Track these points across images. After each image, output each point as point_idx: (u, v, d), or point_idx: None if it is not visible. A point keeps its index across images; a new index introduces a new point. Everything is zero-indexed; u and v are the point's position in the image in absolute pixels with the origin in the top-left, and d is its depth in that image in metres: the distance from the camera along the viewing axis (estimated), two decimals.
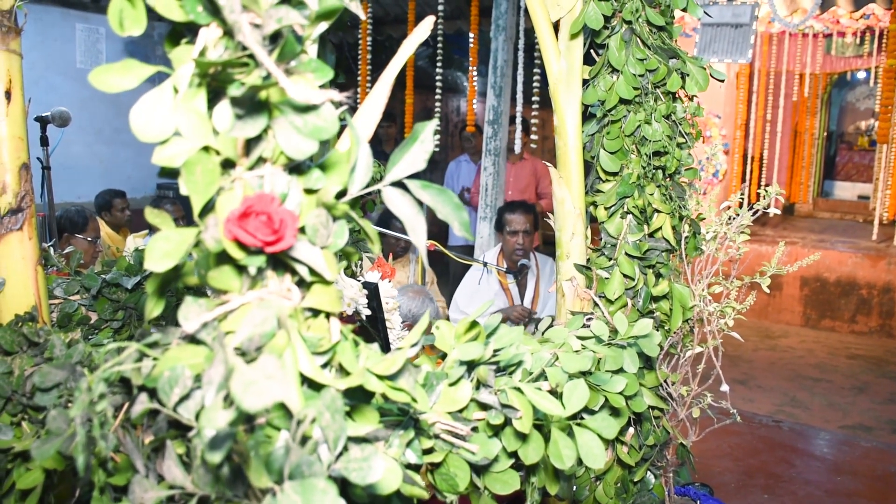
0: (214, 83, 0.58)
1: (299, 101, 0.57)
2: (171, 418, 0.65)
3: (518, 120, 4.58)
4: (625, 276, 1.37)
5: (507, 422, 0.88)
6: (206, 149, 0.57)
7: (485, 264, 3.44)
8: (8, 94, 1.22)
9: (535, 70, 4.03)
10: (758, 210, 1.41)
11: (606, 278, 1.38)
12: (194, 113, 0.57)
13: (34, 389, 0.90)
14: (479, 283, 3.49)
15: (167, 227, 0.67)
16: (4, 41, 1.20)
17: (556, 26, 1.39)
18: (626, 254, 1.36)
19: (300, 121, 0.59)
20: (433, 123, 0.68)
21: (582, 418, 0.93)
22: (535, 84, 3.98)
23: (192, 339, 0.62)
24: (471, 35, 4.53)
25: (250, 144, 0.60)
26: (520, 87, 4.22)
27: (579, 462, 0.95)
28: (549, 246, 4.52)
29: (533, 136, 4.38)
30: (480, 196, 4.31)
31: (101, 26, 6.39)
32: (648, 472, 1.49)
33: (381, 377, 0.69)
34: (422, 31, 0.78)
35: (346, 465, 0.62)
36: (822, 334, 6.08)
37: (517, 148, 4.64)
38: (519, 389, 0.87)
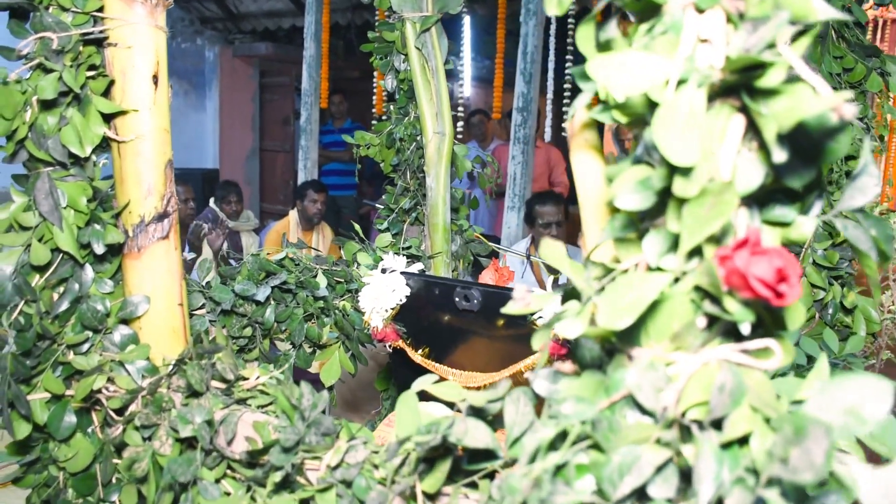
0: (716, 87, 0.45)
1: (826, 118, 0.44)
2: None
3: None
4: (813, 286, 1.28)
5: None
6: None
7: (528, 257, 3.34)
8: (155, 79, 1.04)
9: (568, 57, 3.91)
10: None
11: None
12: (702, 127, 0.44)
13: (270, 443, 0.75)
14: (522, 276, 3.38)
15: (564, 265, 0.53)
16: (153, 15, 1.02)
17: None
18: (815, 263, 1.27)
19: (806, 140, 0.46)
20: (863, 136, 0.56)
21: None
22: (566, 73, 3.86)
23: (639, 409, 0.50)
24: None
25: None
26: (550, 75, 4.09)
27: None
28: None
29: (548, 125, 4.29)
30: (508, 185, 4.17)
31: None
32: None
33: None
34: None
35: None
36: None
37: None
38: None
